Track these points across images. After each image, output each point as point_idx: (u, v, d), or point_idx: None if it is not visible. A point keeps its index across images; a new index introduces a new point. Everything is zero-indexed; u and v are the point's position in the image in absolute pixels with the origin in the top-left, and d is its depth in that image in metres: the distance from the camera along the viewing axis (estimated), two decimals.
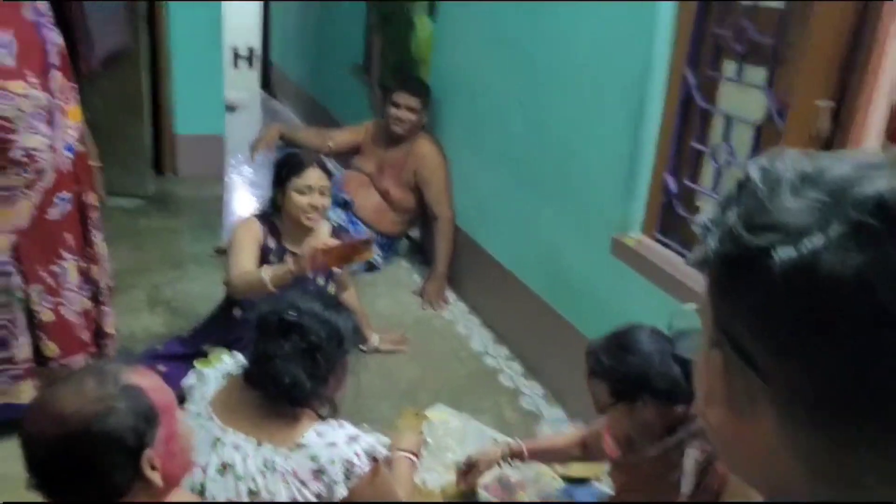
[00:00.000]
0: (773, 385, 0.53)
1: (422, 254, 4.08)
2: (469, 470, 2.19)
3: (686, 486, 1.56)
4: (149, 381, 1.29)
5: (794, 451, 0.54)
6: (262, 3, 8.01)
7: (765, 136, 2.04)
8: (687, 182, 2.30)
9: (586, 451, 2.08)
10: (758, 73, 2.06)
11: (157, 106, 4.76)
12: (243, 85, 7.94)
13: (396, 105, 3.75)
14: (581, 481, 2.33)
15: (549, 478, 2.35)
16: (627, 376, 1.60)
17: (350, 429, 1.66)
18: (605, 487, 2.24)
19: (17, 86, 2.15)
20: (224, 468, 1.60)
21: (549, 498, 2.29)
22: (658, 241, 2.40)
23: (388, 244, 3.92)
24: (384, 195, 3.87)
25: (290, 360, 1.62)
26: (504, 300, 3.28)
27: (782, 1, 1.96)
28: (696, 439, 1.55)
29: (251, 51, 9.26)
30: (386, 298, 3.59)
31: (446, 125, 3.77)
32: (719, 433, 0.60)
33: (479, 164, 3.44)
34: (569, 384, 2.68)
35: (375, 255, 2.56)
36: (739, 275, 0.54)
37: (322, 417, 1.67)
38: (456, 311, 3.58)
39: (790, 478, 0.55)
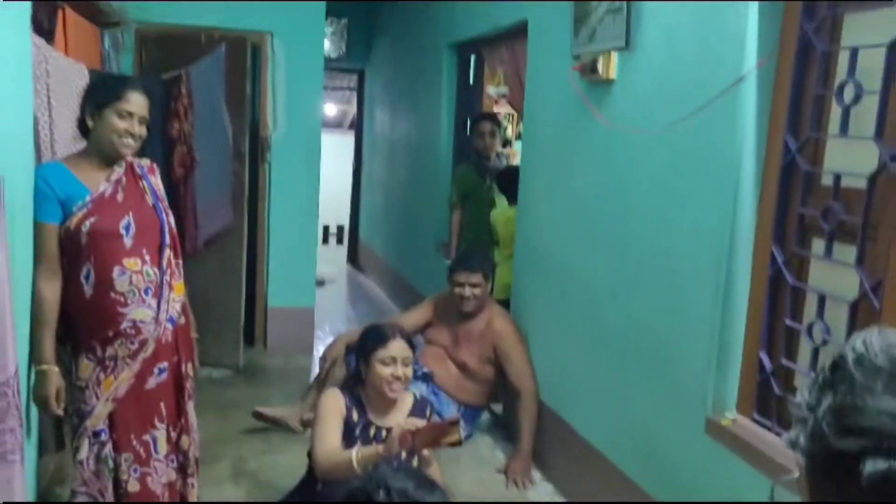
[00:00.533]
0: None
1: (504, 429, 4.00)
2: None
3: None
4: None
5: None
6: (352, 184, 8.55)
7: (861, 314, 1.98)
8: (783, 360, 2.23)
9: None
10: (848, 251, 2.04)
11: (250, 279, 5.00)
12: (332, 260, 8.30)
13: (460, 285, 3.81)
14: None
15: None
16: None
17: None
18: None
19: (133, 263, 2.33)
20: None
21: None
22: (755, 420, 2.30)
23: (471, 415, 3.86)
24: (461, 367, 3.86)
25: None
26: (593, 481, 3.14)
27: (865, 179, 1.96)
28: None
29: (340, 228, 9.76)
30: (469, 476, 3.50)
31: (531, 298, 3.81)
32: None
33: (566, 339, 3.43)
34: None
35: (463, 432, 2.55)
36: (829, 476, 0.55)
37: None
38: (542, 491, 3.44)
39: None
